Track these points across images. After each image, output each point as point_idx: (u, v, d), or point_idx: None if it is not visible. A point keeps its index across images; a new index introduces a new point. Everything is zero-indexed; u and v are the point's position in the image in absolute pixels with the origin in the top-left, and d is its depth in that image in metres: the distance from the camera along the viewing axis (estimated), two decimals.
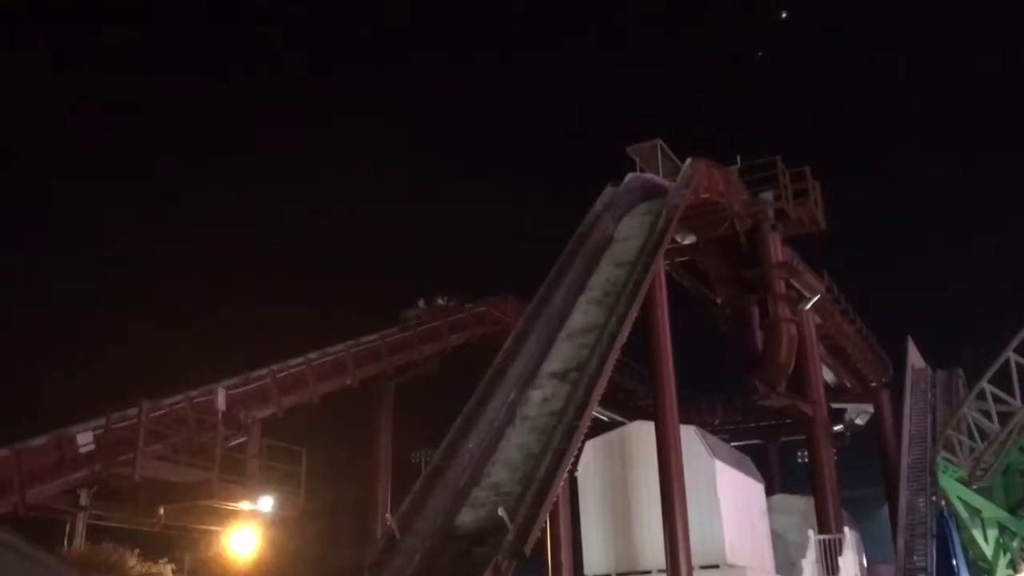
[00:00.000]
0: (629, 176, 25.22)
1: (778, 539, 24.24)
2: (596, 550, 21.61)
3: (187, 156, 46.00)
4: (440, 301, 32.04)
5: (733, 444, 31.24)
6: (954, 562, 21.46)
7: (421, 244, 49.40)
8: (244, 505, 20.93)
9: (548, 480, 14.46)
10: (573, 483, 21.35)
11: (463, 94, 60.44)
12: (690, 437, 20.88)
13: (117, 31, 48.21)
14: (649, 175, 25.93)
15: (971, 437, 22.01)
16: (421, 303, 31.82)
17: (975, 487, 22.20)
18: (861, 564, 22.80)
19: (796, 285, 26.88)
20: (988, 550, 22.06)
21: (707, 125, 55.47)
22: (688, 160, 24.53)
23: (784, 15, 47.84)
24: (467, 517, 14.92)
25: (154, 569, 18.01)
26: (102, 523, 19.55)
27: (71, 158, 43.05)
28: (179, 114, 47.69)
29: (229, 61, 53.85)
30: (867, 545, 25.73)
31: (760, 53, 50.42)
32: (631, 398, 34.98)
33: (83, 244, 38.96)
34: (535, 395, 17.47)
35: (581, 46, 63.19)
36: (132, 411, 19.23)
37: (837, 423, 34.85)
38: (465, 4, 60.40)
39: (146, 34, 50.20)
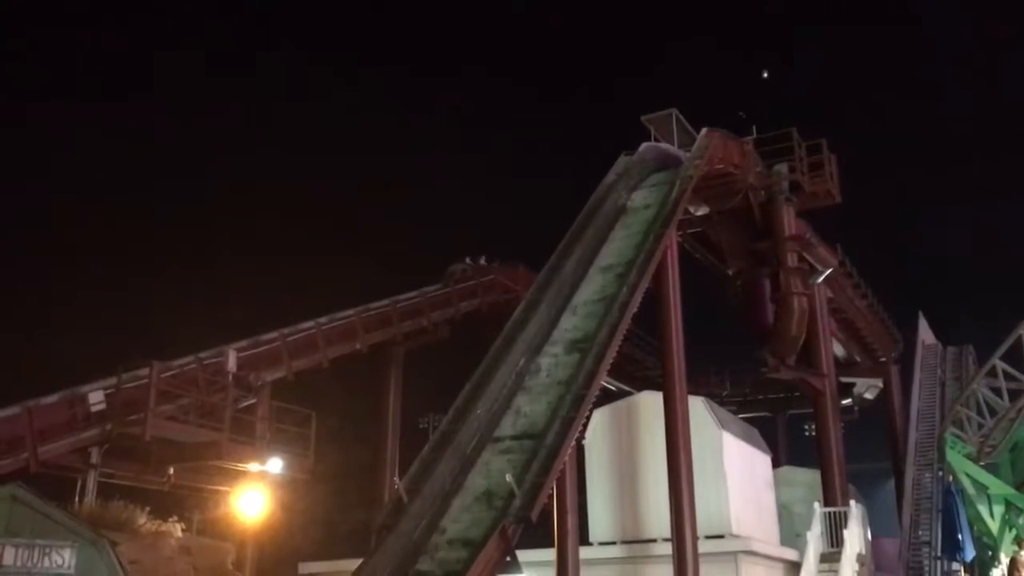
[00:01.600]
0: (643, 146, 25.00)
1: (784, 511, 24.34)
2: (602, 518, 21.75)
3: (200, 95, 45.48)
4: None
5: (741, 416, 31.27)
6: (959, 537, 21.47)
7: (423, 212, 49.30)
8: (253, 466, 21.10)
9: (556, 447, 14.50)
10: (580, 451, 21.41)
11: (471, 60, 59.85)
12: (698, 408, 20.90)
13: None
14: (663, 145, 25.68)
15: (980, 413, 22.00)
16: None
17: (982, 463, 22.23)
18: (866, 537, 22.80)
19: (808, 258, 26.72)
20: (994, 526, 22.12)
21: (721, 94, 54.84)
22: (703, 130, 24.28)
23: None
24: (475, 482, 14.99)
25: (163, 527, 18.24)
26: (113, 481, 19.80)
27: (61, 83, 42.68)
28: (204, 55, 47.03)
29: None
30: (872, 519, 25.68)
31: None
32: (640, 368, 35.04)
33: (89, 204, 38.81)
34: (544, 363, 17.45)
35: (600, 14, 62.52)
36: (143, 371, 19.39)
37: (846, 397, 34.73)
38: None
39: None
